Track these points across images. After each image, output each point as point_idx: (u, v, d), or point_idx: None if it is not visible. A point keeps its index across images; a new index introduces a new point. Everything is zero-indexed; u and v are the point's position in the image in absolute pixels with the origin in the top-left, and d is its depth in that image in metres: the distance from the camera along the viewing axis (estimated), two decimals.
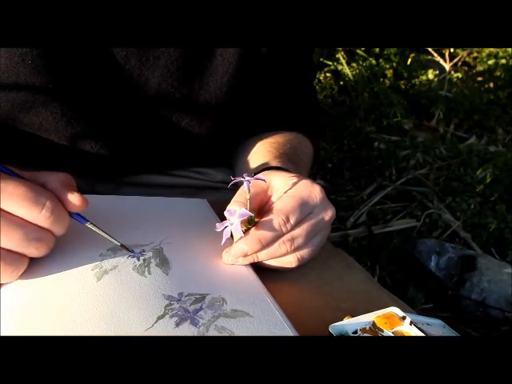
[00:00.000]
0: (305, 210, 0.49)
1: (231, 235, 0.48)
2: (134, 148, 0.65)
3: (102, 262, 0.45)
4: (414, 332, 0.41)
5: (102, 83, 0.59)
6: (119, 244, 0.46)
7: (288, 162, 0.61)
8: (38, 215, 0.41)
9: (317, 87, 1.80)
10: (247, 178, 0.49)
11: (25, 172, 0.45)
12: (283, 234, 0.48)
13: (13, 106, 0.57)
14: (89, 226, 0.46)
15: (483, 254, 1.14)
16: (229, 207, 0.48)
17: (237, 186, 0.52)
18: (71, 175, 0.46)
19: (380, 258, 1.15)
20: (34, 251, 0.42)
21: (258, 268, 0.50)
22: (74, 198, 0.43)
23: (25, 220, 0.41)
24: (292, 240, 0.48)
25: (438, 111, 1.77)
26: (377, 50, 2.02)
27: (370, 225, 1.26)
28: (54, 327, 0.38)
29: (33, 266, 0.44)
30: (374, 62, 1.95)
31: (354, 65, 1.88)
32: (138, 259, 0.46)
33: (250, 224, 0.48)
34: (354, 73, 1.83)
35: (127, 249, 0.47)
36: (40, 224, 0.42)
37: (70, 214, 0.45)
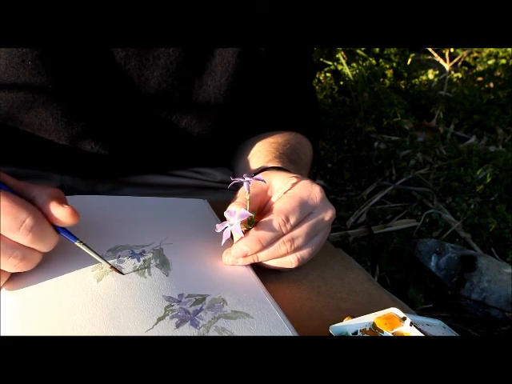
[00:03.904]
0: (305, 211, 0.49)
1: (231, 236, 0.48)
2: (134, 148, 0.65)
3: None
4: (414, 333, 0.40)
5: (102, 83, 0.59)
6: (109, 266, 0.44)
7: (288, 162, 0.61)
8: (16, 232, 0.39)
9: (317, 87, 1.80)
10: (247, 179, 0.49)
11: (19, 182, 0.43)
12: (283, 235, 0.48)
13: (13, 107, 0.57)
14: (78, 245, 0.44)
15: (483, 253, 1.14)
16: (229, 208, 0.48)
17: (237, 186, 0.52)
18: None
19: (380, 258, 1.15)
20: (12, 268, 0.40)
21: (258, 268, 0.50)
22: (58, 212, 0.41)
23: (3, 236, 0.39)
24: (292, 240, 0.48)
25: (438, 111, 1.77)
26: (377, 49, 2.02)
27: (370, 225, 1.26)
28: (54, 328, 0.38)
29: (33, 267, 0.44)
30: (374, 61, 1.95)
31: (354, 65, 1.87)
32: (138, 260, 0.46)
33: (249, 224, 0.48)
34: (353, 73, 1.83)
35: (117, 270, 0.45)
36: (19, 241, 0.40)
37: (59, 232, 0.43)
